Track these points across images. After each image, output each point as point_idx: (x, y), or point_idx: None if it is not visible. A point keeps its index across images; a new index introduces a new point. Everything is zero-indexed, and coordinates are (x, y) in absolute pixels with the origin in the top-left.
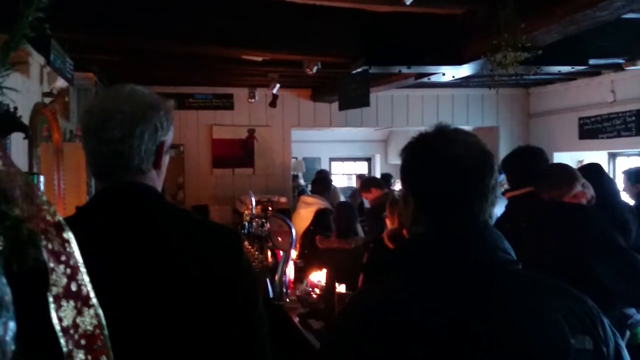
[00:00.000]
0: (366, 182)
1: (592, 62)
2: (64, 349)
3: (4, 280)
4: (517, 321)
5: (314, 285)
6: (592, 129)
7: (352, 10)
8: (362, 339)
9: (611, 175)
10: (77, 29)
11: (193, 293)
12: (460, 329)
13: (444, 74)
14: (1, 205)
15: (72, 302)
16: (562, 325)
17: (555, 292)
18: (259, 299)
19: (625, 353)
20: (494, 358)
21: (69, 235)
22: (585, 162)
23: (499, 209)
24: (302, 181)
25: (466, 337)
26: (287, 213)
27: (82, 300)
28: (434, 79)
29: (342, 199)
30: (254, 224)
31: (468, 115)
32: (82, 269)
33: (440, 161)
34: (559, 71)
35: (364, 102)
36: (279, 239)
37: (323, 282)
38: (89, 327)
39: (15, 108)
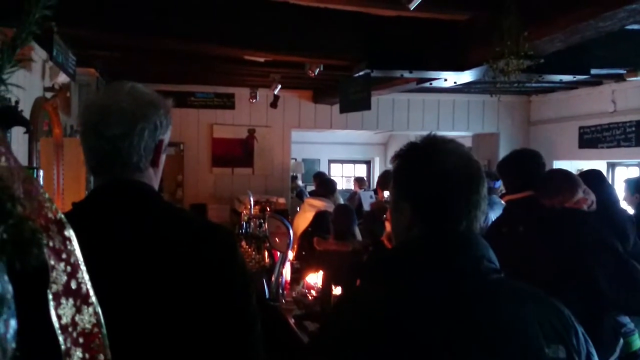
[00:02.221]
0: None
1: (593, 71)
2: (63, 347)
3: (5, 278)
4: (494, 329)
5: (310, 287)
6: (592, 139)
7: (356, 14)
8: (350, 340)
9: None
10: (80, 25)
11: (187, 291)
12: (442, 333)
13: (445, 80)
14: (6, 203)
15: (71, 300)
16: (537, 334)
17: (533, 301)
18: (252, 298)
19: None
20: None
21: (70, 233)
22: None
23: (494, 213)
24: (300, 182)
25: (447, 342)
26: (285, 214)
27: (81, 298)
28: (435, 84)
29: (341, 201)
30: (252, 224)
31: (469, 120)
32: (82, 267)
33: (437, 170)
34: (561, 80)
35: (365, 105)
36: (277, 239)
37: (319, 284)
38: (88, 325)
39: (17, 102)
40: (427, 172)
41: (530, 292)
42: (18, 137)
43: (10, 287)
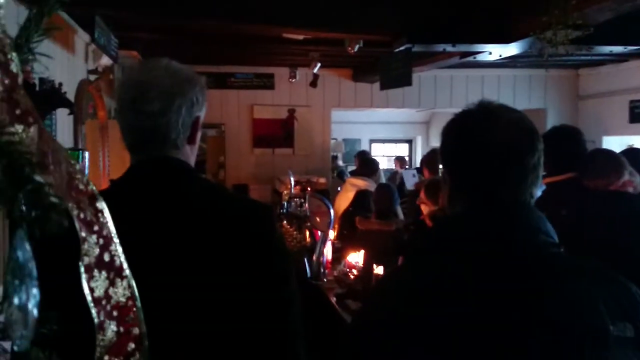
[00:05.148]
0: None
1: None
2: (96, 320)
3: (27, 246)
4: (554, 306)
5: (351, 266)
6: None
7: None
8: (396, 320)
9: None
10: (121, 7)
11: (225, 265)
12: (498, 311)
13: (490, 53)
14: (24, 168)
15: (104, 273)
16: (601, 311)
17: (596, 276)
18: (290, 276)
19: None
20: (531, 342)
21: (102, 205)
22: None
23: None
24: (340, 162)
25: (503, 320)
26: (325, 194)
27: (114, 271)
28: (479, 58)
29: (384, 180)
30: (293, 203)
31: (515, 96)
32: (116, 240)
33: (475, 139)
34: (611, 51)
35: (406, 81)
36: (318, 219)
37: (360, 263)
38: (122, 299)
39: (60, 84)
40: (466, 141)
41: (593, 267)
42: (63, 120)
43: (31, 256)
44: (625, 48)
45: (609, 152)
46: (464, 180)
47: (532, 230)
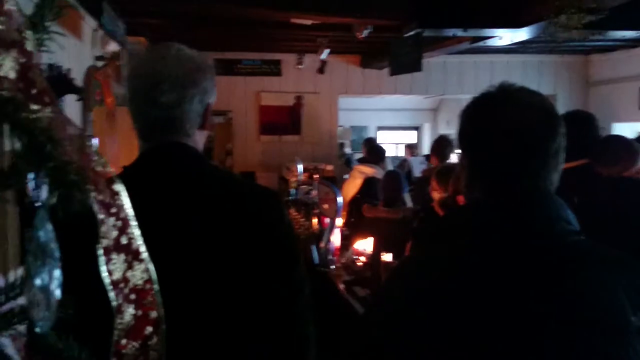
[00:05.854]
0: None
1: None
2: (114, 303)
3: (49, 226)
4: (572, 296)
5: (359, 253)
6: None
7: None
8: (410, 308)
9: None
10: None
11: (235, 249)
12: (515, 301)
13: (501, 38)
14: (46, 146)
15: (122, 256)
16: (622, 301)
17: (618, 265)
18: (298, 262)
19: None
20: (548, 332)
21: (119, 187)
22: None
23: None
24: (348, 149)
25: (521, 310)
26: (333, 181)
27: (132, 254)
28: (489, 43)
29: (391, 168)
30: (301, 190)
31: (524, 82)
32: (133, 223)
33: (494, 122)
34: (623, 36)
35: (416, 67)
36: (325, 206)
37: (368, 250)
38: (139, 282)
39: (68, 70)
40: (485, 124)
41: (613, 256)
42: (71, 106)
43: (54, 236)
44: (637, 33)
45: (623, 139)
46: (482, 165)
47: (551, 219)
